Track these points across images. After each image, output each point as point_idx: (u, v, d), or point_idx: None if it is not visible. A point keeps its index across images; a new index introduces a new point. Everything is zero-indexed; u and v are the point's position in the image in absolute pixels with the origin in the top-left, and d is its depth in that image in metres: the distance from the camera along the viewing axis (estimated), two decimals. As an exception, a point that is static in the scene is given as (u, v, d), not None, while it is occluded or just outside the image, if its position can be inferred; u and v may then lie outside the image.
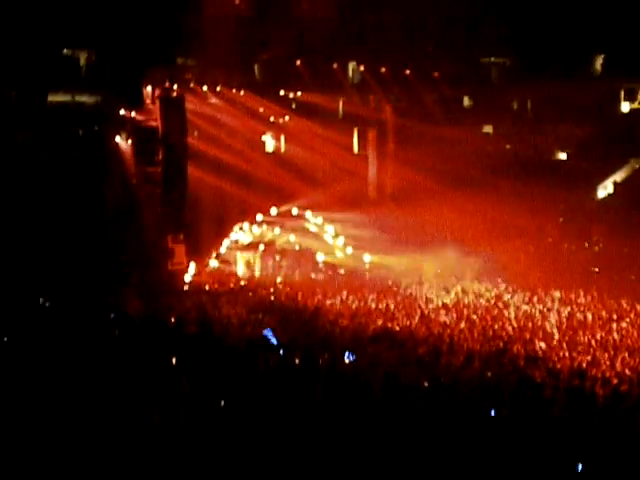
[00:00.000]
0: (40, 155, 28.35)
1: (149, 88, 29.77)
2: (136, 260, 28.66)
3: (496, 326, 21.60)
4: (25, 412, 12.58)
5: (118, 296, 24.93)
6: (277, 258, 32.60)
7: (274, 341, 18.95)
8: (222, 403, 13.73)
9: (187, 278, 29.82)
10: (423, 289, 27.66)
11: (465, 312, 23.59)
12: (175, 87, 29.90)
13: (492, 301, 25.41)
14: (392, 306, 24.32)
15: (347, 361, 17.61)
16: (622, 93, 33.06)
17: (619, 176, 34.22)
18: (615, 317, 22.48)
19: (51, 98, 29.37)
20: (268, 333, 19.38)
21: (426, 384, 15.74)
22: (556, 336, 20.34)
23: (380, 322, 22.20)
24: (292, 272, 31.56)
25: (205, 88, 31.95)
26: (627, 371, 17.03)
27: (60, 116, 29.12)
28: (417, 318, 22.71)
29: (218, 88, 32.30)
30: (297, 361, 16.93)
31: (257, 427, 12.73)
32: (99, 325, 19.38)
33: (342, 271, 32.49)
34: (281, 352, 17.99)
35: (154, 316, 22.35)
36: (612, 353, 18.55)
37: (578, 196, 32.98)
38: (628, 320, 22.07)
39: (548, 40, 31.73)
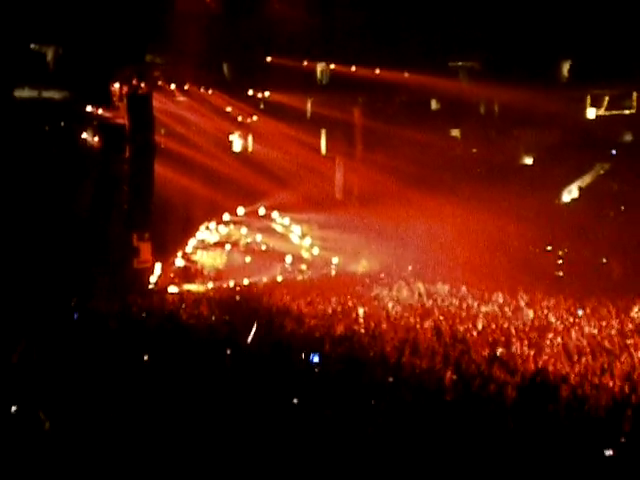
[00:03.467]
0: (5, 150, 28.05)
1: (117, 85, 29.58)
2: (102, 258, 28.48)
3: (460, 328, 21.72)
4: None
5: (84, 295, 24.78)
6: (243, 258, 32.58)
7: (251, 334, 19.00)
8: (191, 401, 13.75)
9: (153, 277, 29.70)
10: (390, 291, 27.76)
11: (430, 313, 23.71)
12: (143, 85, 29.74)
13: (456, 303, 25.57)
14: (358, 307, 24.38)
15: (313, 362, 17.64)
16: (588, 99, 33.33)
17: (584, 181, 34.56)
18: (578, 321, 22.68)
19: (17, 93, 29.08)
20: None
21: (390, 380, 15.85)
22: (519, 338, 20.47)
23: (346, 323, 22.24)
24: (258, 272, 31.57)
25: (173, 86, 31.82)
26: (589, 374, 17.20)
27: (26, 112, 28.84)
28: (382, 319, 22.78)
29: (186, 86, 32.18)
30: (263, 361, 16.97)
31: (225, 426, 12.76)
32: (66, 323, 19.30)
33: (308, 272, 32.57)
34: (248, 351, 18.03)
35: (121, 314, 22.27)
36: (575, 356, 18.73)
37: (543, 200, 33.26)
38: (592, 324, 22.27)
39: (515, 45, 31.92)
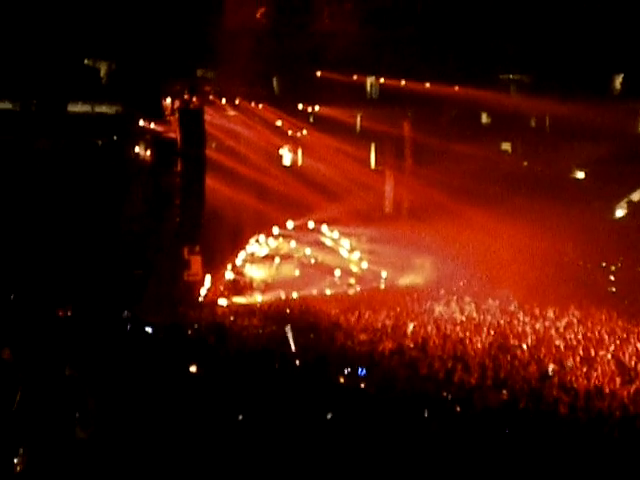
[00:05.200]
0: (59, 165, 28.44)
1: (168, 100, 29.85)
2: (153, 271, 28.71)
3: (511, 344, 21.57)
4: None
5: (135, 307, 24.98)
6: (293, 271, 32.64)
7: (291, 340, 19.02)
8: (239, 413, 13.76)
9: (203, 290, 29.88)
10: (439, 305, 27.64)
11: (480, 329, 23.56)
12: (194, 99, 29.98)
13: (507, 319, 25.37)
14: (408, 322, 24.30)
15: (361, 375, 17.63)
16: (641, 112, 33.01)
17: (637, 195, 34.13)
18: (632, 338, 22.39)
19: (71, 108, 29.49)
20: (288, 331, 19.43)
21: (445, 396, 15.77)
22: (571, 355, 20.28)
23: (395, 338, 22.20)
24: (307, 286, 31.60)
25: (224, 101, 32.04)
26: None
27: (79, 126, 29.21)
28: (432, 334, 22.69)
29: (237, 101, 32.38)
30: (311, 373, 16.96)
31: (272, 438, 12.75)
32: (117, 335, 19.42)
33: (357, 286, 32.53)
34: (297, 363, 18.03)
35: (171, 326, 22.39)
36: (629, 374, 18.50)
37: (595, 215, 32.88)
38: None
39: (567, 58, 31.72)
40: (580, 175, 35.36)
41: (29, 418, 12.70)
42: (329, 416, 13.77)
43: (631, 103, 32.58)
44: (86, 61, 30.47)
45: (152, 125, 30.34)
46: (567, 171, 35.18)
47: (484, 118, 35.71)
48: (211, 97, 31.48)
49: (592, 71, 31.37)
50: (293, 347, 19.16)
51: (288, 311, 26.67)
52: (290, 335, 19.46)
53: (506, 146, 36.20)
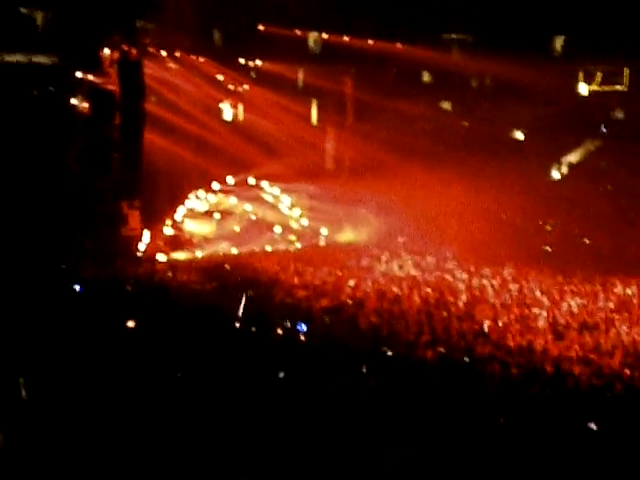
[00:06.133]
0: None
1: (107, 51, 29.36)
2: (90, 226, 28.39)
3: (448, 301, 21.83)
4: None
5: (72, 262, 24.74)
6: (232, 227, 32.55)
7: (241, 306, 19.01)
8: (179, 372, 13.79)
9: (141, 245, 29.66)
10: (378, 262, 27.82)
11: (418, 285, 23.79)
12: (133, 51, 29.51)
13: (444, 276, 25.65)
14: (347, 279, 24.43)
15: (300, 331, 17.72)
16: (581, 75, 33.26)
17: (574, 157, 34.57)
18: (565, 296, 22.79)
19: (6, 58, 28.83)
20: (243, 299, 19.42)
21: (382, 351, 15.95)
22: (506, 313, 20.59)
23: (334, 294, 22.32)
24: (247, 242, 31.55)
25: (164, 53, 31.60)
26: (576, 349, 17.33)
27: (15, 76, 28.61)
28: (371, 291, 22.86)
29: (177, 53, 31.96)
30: (253, 330, 17.03)
31: (213, 396, 12.80)
32: (54, 289, 19.28)
33: (298, 243, 32.59)
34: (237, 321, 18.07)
35: (109, 281, 22.25)
36: (561, 331, 18.86)
37: (533, 175, 33.30)
38: (579, 299, 22.40)
39: (509, 19, 31.81)
40: (519, 136, 35.66)
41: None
42: (264, 370, 13.85)
43: (571, 65, 32.86)
44: (22, 10, 29.76)
45: (90, 77, 29.83)
46: (507, 131, 35.46)
47: (426, 77, 35.71)
48: (151, 49, 31.00)
49: (534, 32, 31.52)
50: (240, 311, 19.10)
51: (227, 267, 26.60)
52: (244, 302, 19.41)
53: (447, 105, 36.32)
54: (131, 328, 16.61)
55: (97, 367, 13.94)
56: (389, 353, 16.22)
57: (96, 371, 13.75)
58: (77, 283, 21.13)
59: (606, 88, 33.17)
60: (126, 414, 12.22)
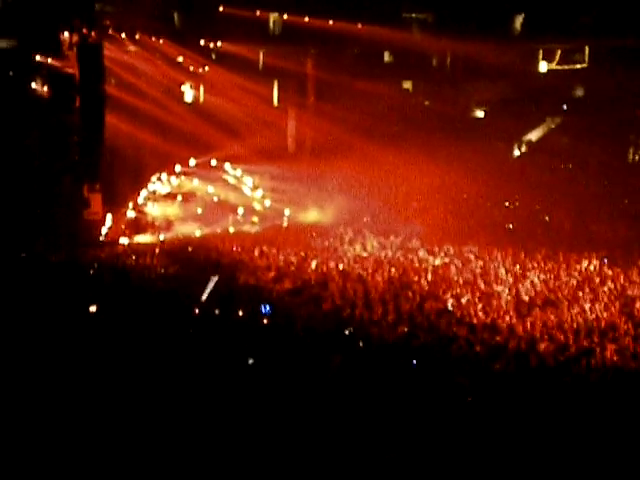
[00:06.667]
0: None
1: (66, 34, 29.04)
2: (51, 210, 28.17)
3: (412, 280, 21.90)
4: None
5: (34, 246, 24.55)
6: (195, 209, 32.42)
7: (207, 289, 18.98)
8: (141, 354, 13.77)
9: (104, 228, 29.48)
10: (341, 243, 27.84)
11: (382, 265, 23.85)
12: (93, 34, 29.22)
13: (408, 255, 25.71)
14: (310, 259, 24.44)
15: (263, 313, 17.74)
16: (541, 53, 33.42)
17: (535, 135, 34.78)
18: (528, 272, 22.96)
19: (-36, 42, 28.50)
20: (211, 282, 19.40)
21: (346, 332, 16.03)
22: (469, 291, 20.72)
23: (297, 275, 22.33)
24: (210, 224, 31.45)
25: (124, 35, 31.32)
26: (538, 325, 17.51)
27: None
28: (334, 271, 22.90)
29: (137, 36, 31.69)
30: (216, 312, 17.01)
31: (176, 376, 12.79)
32: (16, 272, 19.15)
33: (261, 224, 32.53)
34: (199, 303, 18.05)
35: (70, 265, 22.11)
36: (525, 309, 19.02)
37: (494, 154, 33.46)
38: (542, 276, 22.57)
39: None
40: (480, 114, 35.81)
41: None
42: (227, 353, 13.86)
43: (530, 43, 33.01)
44: (-21, -6, 29.37)
45: (50, 60, 29.53)
46: (467, 110, 35.61)
47: (386, 57, 35.74)
48: (110, 31, 30.72)
49: (493, 11, 31.62)
50: (205, 296, 19.05)
51: (190, 249, 26.51)
52: (210, 286, 19.36)
53: (408, 85, 36.38)
54: (93, 312, 16.55)
55: (59, 350, 13.91)
56: (352, 333, 16.28)
57: (58, 354, 13.72)
58: (40, 267, 21.01)
59: (566, 66, 33.36)
60: (88, 397, 12.22)
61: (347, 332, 16.34)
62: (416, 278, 22.16)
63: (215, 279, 19.62)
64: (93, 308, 16.56)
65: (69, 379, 12.84)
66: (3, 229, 25.55)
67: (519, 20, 32.84)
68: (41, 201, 28.16)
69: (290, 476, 10.81)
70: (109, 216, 29.83)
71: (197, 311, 17.39)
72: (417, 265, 24.08)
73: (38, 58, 29.35)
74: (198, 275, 21.39)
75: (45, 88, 29.52)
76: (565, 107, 34.58)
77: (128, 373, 13.18)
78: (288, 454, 11.09)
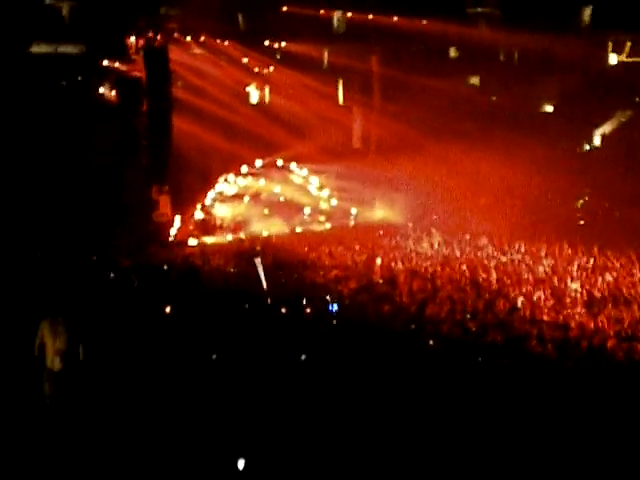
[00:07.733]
0: (23, 107, 28.01)
1: (133, 38, 29.42)
2: (121, 213, 28.55)
3: (480, 278, 21.69)
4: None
5: (105, 250, 24.88)
6: (262, 210, 32.58)
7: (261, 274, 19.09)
8: (213, 354, 13.88)
9: (172, 230, 29.79)
10: (409, 241, 27.72)
11: (449, 263, 23.66)
12: (159, 37, 29.56)
13: (476, 253, 25.49)
14: (377, 258, 24.35)
15: (332, 312, 17.72)
16: (610, 45, 32.82)
17: (605, 129, 34.16)
18: (600, 270, 22.57)
19: (34, 49, 28.97)
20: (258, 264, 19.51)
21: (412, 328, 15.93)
22: (540, 289, 20.44)
23: (365, 274, 22.26)
24: (278, 224, 31.58)
25: (189, 38, 31.62)
26: (610, 323, 17.19)
27: (43, 67, 28.75)
28: (402, 270, 22.78)
29: (202, 38, 31.97)
30: (284, 311, 17.05)
31: (246, 377, 12.86)
32: (90, 275, 19.44)
33: (328, 224, 32.56)
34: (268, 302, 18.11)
35: (142, 268, 22.35)
36: (597, 305, 18.70)
37: (564, 149, 32.93)
38: (614, 273, 22.16)
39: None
40: (549, 109, 35.30)
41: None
42: (303, 357, 13.89)
43: (599, 35, 32.44)
44: (48, 1, 29.87)
45: (117, 64, 29.94)
46: (536, 105, 35.11)
47: (452, 52, 35.45)
48: (176, 35, 31.08)
49: (560, 3, 31.16)
50: (264, 283, 19.18)
51: (258, 249, 26.63)
52: (260, 269, 19.48)
53: (474, 80, 36.02)
54: (168, 313, 16.74)
55: (141, 351, 14.15)
56: (422, 332, 16.18)
57: (141, 354, 13.97)
58: (111, 271, 21.29)
59: (637, 58, 32.71)
60: (166, 393, 12.40)
61: (413, 330, 16.25)
62: (485, 276, 21.94)
63: (259, 260, 19.76)
64: (168, 310, 16.74)
65: (151, 380, 13.06)
66: (75, 232, 25.94)
67: (587, 12, 32.31)
68: (111, 204, 28.56)
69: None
70: (178, 217, 30.15)
71: (264, 310, 17.44)
72: (486, 263, 23.85)
73: (105, 63, 29.78)
74: (267, 275, 21.46)
75: (113, 92, 29.95)
76: (638, 99, 33.87)
77: (205, 372, 13.36)
78: (361, 449, 11.08)
